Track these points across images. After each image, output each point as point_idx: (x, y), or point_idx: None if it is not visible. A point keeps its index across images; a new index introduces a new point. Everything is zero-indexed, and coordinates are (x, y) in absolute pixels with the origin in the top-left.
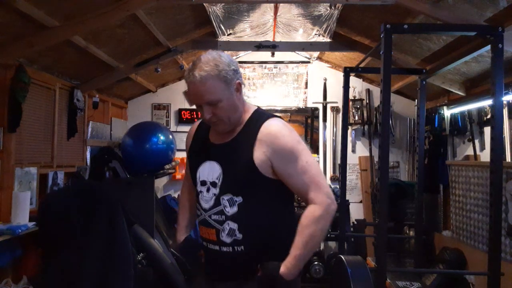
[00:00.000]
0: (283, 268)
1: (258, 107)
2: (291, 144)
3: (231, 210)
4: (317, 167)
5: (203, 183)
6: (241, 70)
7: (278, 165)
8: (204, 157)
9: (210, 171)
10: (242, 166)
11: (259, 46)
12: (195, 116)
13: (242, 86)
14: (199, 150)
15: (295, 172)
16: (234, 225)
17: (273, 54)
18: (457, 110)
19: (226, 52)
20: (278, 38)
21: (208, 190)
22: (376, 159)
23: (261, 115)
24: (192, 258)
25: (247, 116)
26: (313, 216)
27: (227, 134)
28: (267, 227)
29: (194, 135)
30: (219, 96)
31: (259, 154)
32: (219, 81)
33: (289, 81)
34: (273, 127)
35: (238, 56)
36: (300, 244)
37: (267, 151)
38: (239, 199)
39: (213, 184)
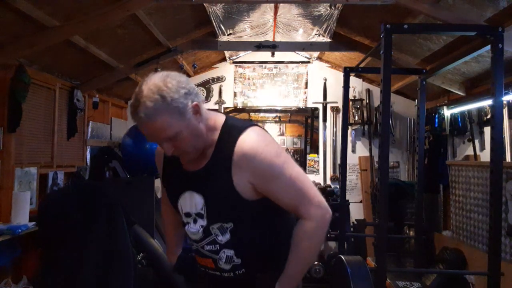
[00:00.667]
0: (278, 286)
1: (227, 117)
2: (269, 161)
3: (224, 238)
4: (303, 178)
5: (188, 215)
6: (241, 70)
7: (261, 186)
8: (182, 187)
9: (192, 202)
10: (224, 193)
11: (259, 46)
12: None
13: (201, 104)
14: (175, 179)
15: (280, 189)
16: (230, 252)
17: (273, 54)
18: (457, 110)
19: (226, 51)
20: (278, 38)
21: (195, 221)
22: (376, 159)
23: (231, 130)
24: (190, 274)
25: (216, 134)
26: (304, 232)
27: (199, 159)
28: (263, 245)
29: (164, 159)
30: (175, 129)
31: (238, 179)
32: (171, 114)
33: (289, 81)
34: (247, 146)
35: (238, 56)
36: (294, 262)
37: (246, 175)
38: (229, 225)
39: (199, 215)
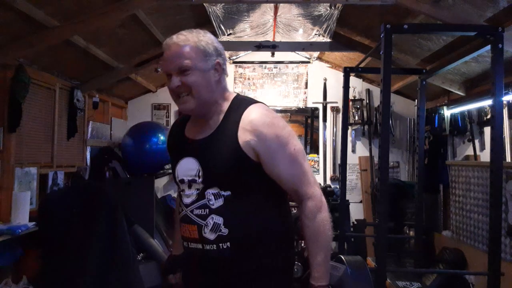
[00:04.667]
0: (314, 281)
1: (238, 94)
2: (275, 131)
3: (216, 203)
4: (304, 155)
5: (182, 181)
6: (241, 70)
7: (264, 153)
8: (181, 154)
9: (187, 168)
10: (228, 155)
11: (259, 46)
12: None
13: (224, 69)
14: (176, 148)
15: (282, 160)
16: (219, 219)
17: (273, 54)
18: (457, 110)
19: (225, 51)
20: (278, 38)
21: (189, 186)
22: (376, 159)
23: (241, 102)
24: (176, 274)
25: (226, 105)
26: (310, 211)
27: (206, 127)
28: (256, 225)
29: (171, 132)
30: (192, 63)
31: (244, 142)
32: (196, 50)
33: (289, 81)
34: (255, 114)
35: (238, 56)
36: (319, 250)
37: (251, 140)
38: (227, 193)
39: (193, 181)
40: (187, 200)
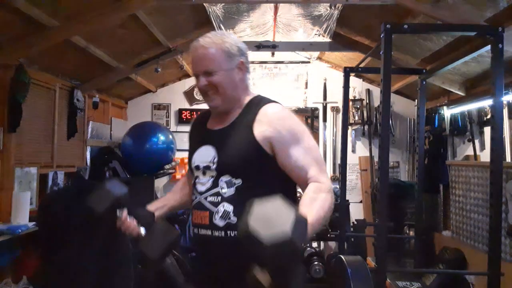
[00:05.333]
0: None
1: (259, 94)
2: (291, 126)
3: (228, 192)
4: (319, 152)
5: (197, 167)
6: None
7: (278, 144)
8: (200, 142)
9: (204, 154)
10: (241, 144)
11: (259, 46)
12: (195, 116)
13: (247, 67)
14: (197, 137)
15: (297, 152)
16: (229, 207)
17: (273, 54)
18: (457, 110)
19: None
20: (278, 38)
21: (204, 173)
22: (376, 159)
23: (261, 100)
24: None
25: (247, 99)
26: (318, 187)
27: (225, 119)
28: None
29: (194, 125)
30: (217, 65)
31: (259, 133)
32: (221, 52)
33: (289, 81)
34: (271, 109)
35: None
36: (311, 212)
37: (266, 131)
38: (238, 182)
39: (207, 167)
40: (201, 188)
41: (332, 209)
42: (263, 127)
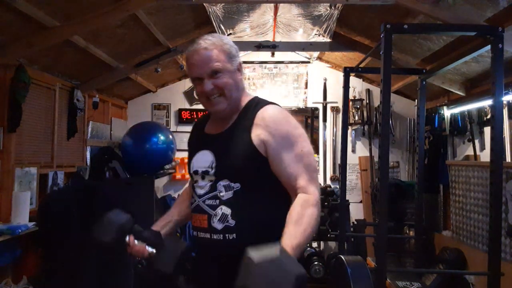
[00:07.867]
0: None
1: (257, 96)
2: (287, 129)
3: (226, 195)
4: (312, 158)
5: (196, 172)
6: None
7: (271, 149)
8: (198, 147)
9: (202, 159)
10: (239, 149)
11: (259, 46)
12: (195, 116)
13: (242, 68)
14: (195, 143)
15: (288, 158)
16: (227, 210)
17: (273, 54)
18: (457, 110)
19: None
20: (278, 38)
21: (202, 178)
22: (376, 159)
23: (258, 102)
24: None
25: (244, 102)
26: (305, 201)
27: (223, 124)
28: (262, 219)
29: (193, 130)
30: (221, 65)
31: (255, 136)
32: (223, 53)
33: (289, 81)
34: (269, 111)
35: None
36: (298, 234)
37: (261, 134)
38: (236, 186)
39: (206, 172)
40: (200, 191)
41: (319, 222)
42: (259, 130)
